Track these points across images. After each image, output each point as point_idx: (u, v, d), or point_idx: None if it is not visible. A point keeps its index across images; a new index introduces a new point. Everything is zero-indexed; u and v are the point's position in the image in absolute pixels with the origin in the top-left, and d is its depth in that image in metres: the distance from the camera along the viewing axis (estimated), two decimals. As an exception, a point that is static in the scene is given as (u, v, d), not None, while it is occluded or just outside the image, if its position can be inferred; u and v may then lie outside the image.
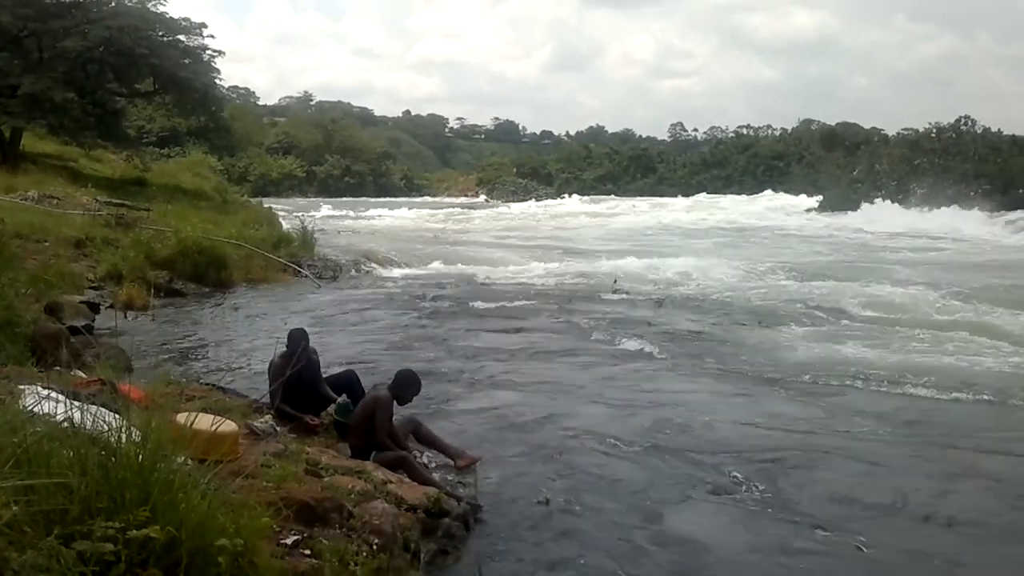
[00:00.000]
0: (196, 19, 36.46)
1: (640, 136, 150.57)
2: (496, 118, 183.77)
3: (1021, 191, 51.83)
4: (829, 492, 7.56)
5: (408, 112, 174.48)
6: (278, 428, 7.53)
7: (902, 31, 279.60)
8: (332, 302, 18.14)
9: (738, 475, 7.85)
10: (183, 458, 3.67)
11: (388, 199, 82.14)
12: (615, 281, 20.86)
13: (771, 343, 13.78)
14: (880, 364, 12.04)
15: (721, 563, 6.18)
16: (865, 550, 6.36)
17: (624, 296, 19.10)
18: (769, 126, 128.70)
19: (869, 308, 16.69)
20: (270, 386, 8.50)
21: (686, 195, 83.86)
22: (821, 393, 10.77)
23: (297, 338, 9.03)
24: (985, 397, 10.53)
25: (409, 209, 57.95)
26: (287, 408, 8.47)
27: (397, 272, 23.42)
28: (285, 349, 9.07)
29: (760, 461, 8.28)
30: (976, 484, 7.95)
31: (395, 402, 7.83)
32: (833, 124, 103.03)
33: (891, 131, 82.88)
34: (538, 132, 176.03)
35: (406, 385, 8.01)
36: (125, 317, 14.68)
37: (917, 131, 68.78)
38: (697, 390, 11.08)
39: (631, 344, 13.74)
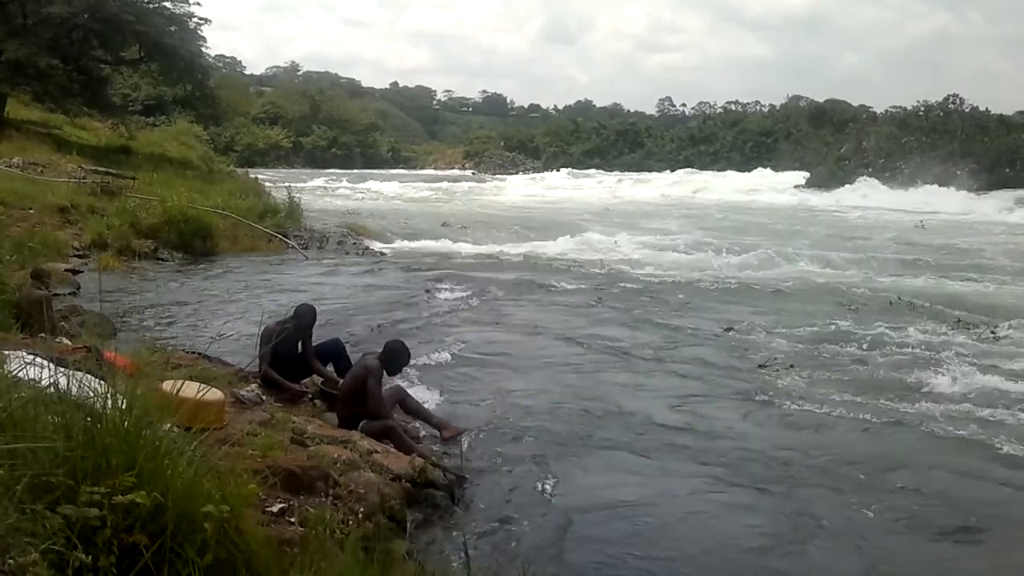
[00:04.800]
0: (182, -15, 36.08)
1: (628, 111, 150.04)
2: (484, 91, 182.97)
3: (1007, 170, 52.10)
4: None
5: (396, 84, 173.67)
6: (264, 397, 7.53)
7: (894, 8, 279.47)
8: (318, 272, 18.13)
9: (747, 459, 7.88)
10: (169, 425, 3.65)
11: (375, 171, 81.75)
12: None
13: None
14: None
15: (703, 536, 6.22)
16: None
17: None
18: (757, 102, 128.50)
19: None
20: (259, 350, 8.53)
21: (673, 170, 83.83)
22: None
23: (303, 313, 9.09)
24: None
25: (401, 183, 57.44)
26: (274, 374, 8.48)
27: (383, 245, 23.36)
28: (287, 317, 9.16)
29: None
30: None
31: (385, 372, 7.85)
32: (822, 101, 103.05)
33: (880, 109, 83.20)
34: (526, 105, 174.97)
35: (396, 356, 8.01)
36: (110, 285, 14.61)
37: (905, 109, 69.00)
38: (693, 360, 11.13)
39: (620, 313, 13.80)
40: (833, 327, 13.29)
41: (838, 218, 38.35)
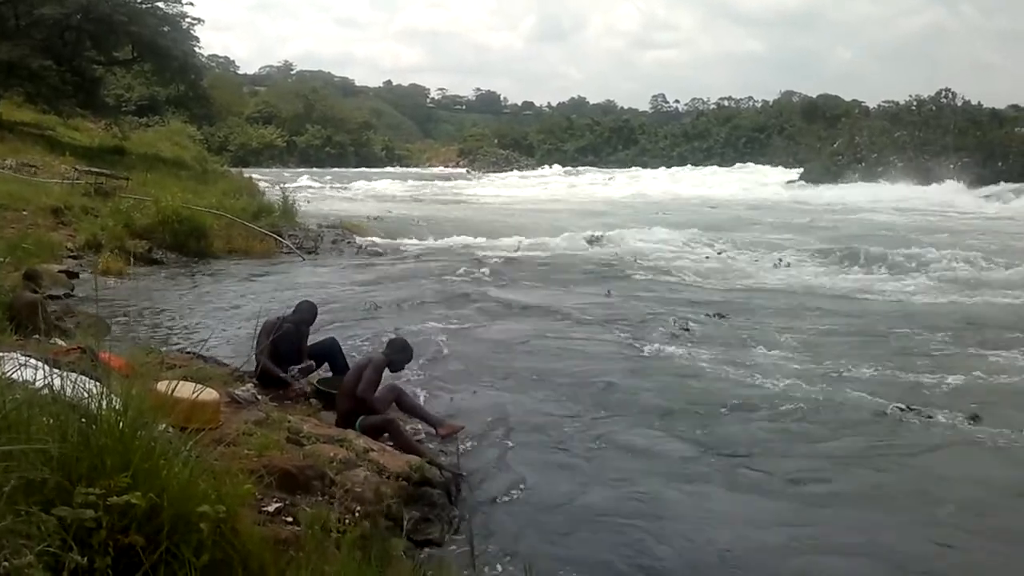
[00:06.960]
0: (174, -15, 36.03)
1: (622, 108, 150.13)
2: (478, 89, 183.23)
3: (1000, 164, 52.13)
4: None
5: (389, 82, 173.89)
6: (259, 396, 7.52)
7: (886, 2, 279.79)
8: (312, 271, 18.14)
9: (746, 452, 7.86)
10: (164, 426, 3.65)
11: (370, 170, 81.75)
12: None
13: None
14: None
15: (694, 532, 6.21)
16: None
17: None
18: (751, 98, 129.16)
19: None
20: (257, 345, 8.53)
21: (667, 166, 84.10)
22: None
23: (304, 309, 9.11)
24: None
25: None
26: (274, 368, 8.47)
27: (379, 242, 23.31)
28: (288, 314, 9.18)
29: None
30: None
31: (387, 368, 7.90)
32: (814, 96, 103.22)
33: (873, 104, 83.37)
34: (520, 103, 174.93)
35: (400, 352, 8.10)
36: (104, 286, 14.59)
37: (897, 104, 69.13)
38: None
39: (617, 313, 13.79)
40: None
41: (892, 217, 34.57)
